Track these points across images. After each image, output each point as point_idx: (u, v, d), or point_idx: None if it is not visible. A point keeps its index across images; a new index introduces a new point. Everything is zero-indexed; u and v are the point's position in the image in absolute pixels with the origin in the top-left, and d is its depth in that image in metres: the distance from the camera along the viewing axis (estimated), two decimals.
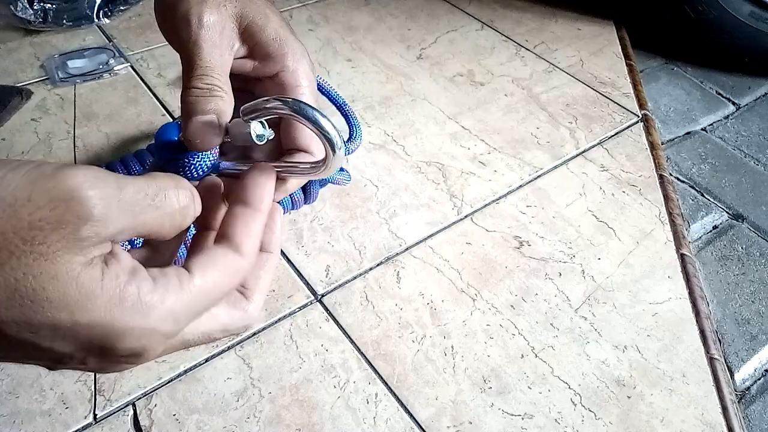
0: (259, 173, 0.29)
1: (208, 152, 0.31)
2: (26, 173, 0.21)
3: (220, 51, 0.31)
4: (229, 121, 0.30)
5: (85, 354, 0.23)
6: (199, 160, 0.31)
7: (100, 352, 0.23)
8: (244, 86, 0.34)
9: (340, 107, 0.64)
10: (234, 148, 0.34)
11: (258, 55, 0.33)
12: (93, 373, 0.60)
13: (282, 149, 0.33)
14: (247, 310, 0.29)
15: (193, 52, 0.30)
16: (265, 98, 0.28)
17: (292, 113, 0.28)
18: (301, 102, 0.28)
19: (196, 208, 0.27)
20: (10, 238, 0.20)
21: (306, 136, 0.32)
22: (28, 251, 0.20)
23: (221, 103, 0.30)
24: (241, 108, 0.29)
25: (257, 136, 0.30)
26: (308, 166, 0.30)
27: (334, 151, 0.28)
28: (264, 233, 0.30)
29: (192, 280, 0.25)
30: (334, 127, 0.28)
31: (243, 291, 0.29)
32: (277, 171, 0.30)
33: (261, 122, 0.30)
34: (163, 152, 0.32)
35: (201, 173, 0.31)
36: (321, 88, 0.61)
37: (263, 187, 0.29)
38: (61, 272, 0.21)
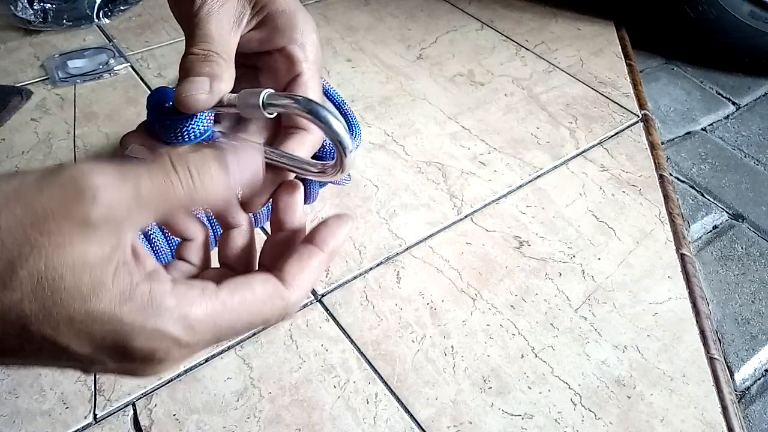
0: (338, 222, 0.29)
1: (202, 117, 0.30)
2: (38, 173, 0.22)
3: (220, 23, 0.31)
4: (237, 92, 0.30)
5: (103, 355, 0.23)
6: (192, 123, 0.30)
7: (115, 352, 0.23)
8: (250, 62, 0.34)
9: (339, 107, 0.64)
10: (227, 117, 0.33)
11: (267, 27, 0.33)
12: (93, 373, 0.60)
13: (279, 126, 0.33)
14: (284, 297, 0.27)
15: (194, 24, 0.31)
16: (279, 93, 0.29)
17: (305, 113, 0.28)
18: (314, 102, 0.28)
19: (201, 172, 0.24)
20: (29, 232, 0.21)
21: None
22: (46, 243, 0.21)
23: (217, 68, 0.30)
24: (262, 98, 0.29)
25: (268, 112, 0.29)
26: (318, 167, 0.30)
27: (345, 155, 0.28)
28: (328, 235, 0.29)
29: (217, 292, 0.24)
30: (347, 131, 0.28)
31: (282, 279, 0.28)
32: (283, 167, 0.30)
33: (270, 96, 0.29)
34: (156, 113, 0.31)
35: (192, 138, 0.30)
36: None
37: (335, 234, 0.28)
38: (78, 261, 0.21)
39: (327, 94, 0.61)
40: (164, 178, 0.23)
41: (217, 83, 0.30)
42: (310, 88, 0.32)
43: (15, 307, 0.21)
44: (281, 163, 0.30)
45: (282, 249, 0.29)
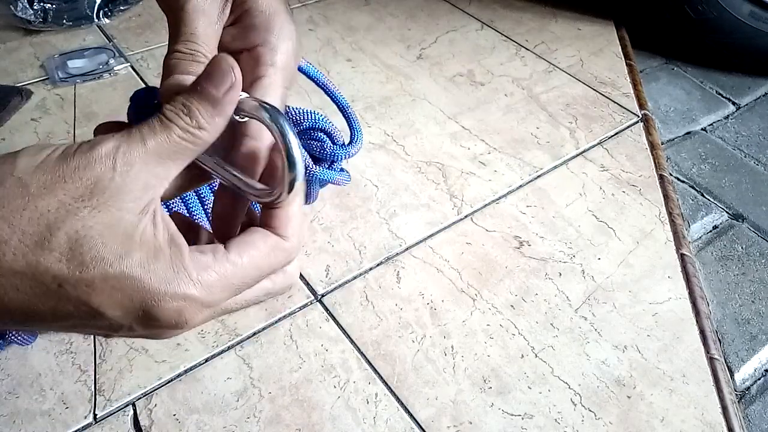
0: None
1: None
2: (54, 147, 0.24)
3: (207, 19, 0.30)
4: None
5: (131, 319, 0.24)
6: None
7: (143, 315, 0.24)
8: None
9: (343, 110, 0.63)
10: None
11: (242, 25, 0.31)
12: (93, 373, 0.60)
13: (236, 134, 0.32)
14: (286, 272, 0.29)
15: (179, 18, 0.30)
16: (252, 98, 0.28)
17: (271, 125, 0.27)
18: (282, 117, 0.27)
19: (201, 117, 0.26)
20: (62, 198, 0.23)
21: (260, 125, 0.30)
22: (82, 206, 0.23)
23: (203, 69, 0.29)
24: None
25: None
26: (260, 189, 0.28)
27: (293, 181, 0.27)
28: None
29: (227, 255, 0.26)
30: (303, 158, 0.27)
31: None
32: (222, 178, 0.29)
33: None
34: (137, 114, 0.31)
35: None
36: (325, 89, 0.60)
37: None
38: (113, 220, 0.23)
39: (332, 95, 0.61)
40: (161, 125, 0.25)
41: None
42: (268, 94, 0.30)
43: (52, 267, 0.23)
44: (221, 176, 0.29)
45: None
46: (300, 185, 0.27)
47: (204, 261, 0.25)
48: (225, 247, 0.26)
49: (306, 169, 0.62)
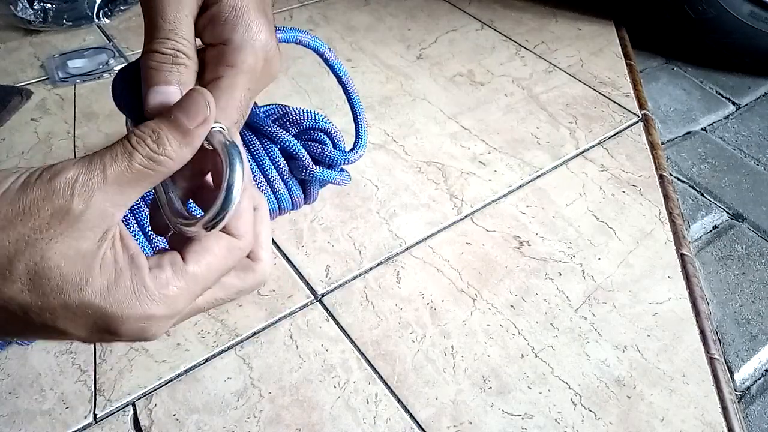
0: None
1: None
2: (15, 176, 0.24)
3: (185, 11, 0.29)
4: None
5: (98, 336, 0.26)
6: None
7: (108, 333, 0.25)
8: None
9: (355, 114, 0.63)
10: None
11: (210, 16, 0.30)
12: (93, 373, 0.60)
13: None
14: (256, 270, 0.30)
15: (157, 10, 0.29)
16: (221, 131, 0.28)
17: (223, 153, 0.27)
18: (237, 152, 0.27)
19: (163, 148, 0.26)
20: (21, 230, 0.23)
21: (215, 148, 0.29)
22: (41, 238, 0.23)
23: (185, 72, 0.29)
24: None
25: None
26: (185, 219, 0.28)
27: (214, 223, 0.27)
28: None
29: (185, 267, 0.27)
30: (237, 200, 0.26)
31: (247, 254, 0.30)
32: (159, 201, 0.29)
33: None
34: (127, 97, 0.31)
35: None
36: (345, 89, 0.61)
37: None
38: (71, 250, 0.24)
39: (349, 97, 0.61)
40: (123, 152, 0.25)
41: (186, 91, 0.28)
42: (224, 95, 0.29)
43: (16, 297, 0.23)
44: (158, 197, 0.29)
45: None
46: (222, 221, 0.27)
47: (164, 278, 0.26)
48: (182, 256, 0.27)
49: (306, 169, 0.62)
